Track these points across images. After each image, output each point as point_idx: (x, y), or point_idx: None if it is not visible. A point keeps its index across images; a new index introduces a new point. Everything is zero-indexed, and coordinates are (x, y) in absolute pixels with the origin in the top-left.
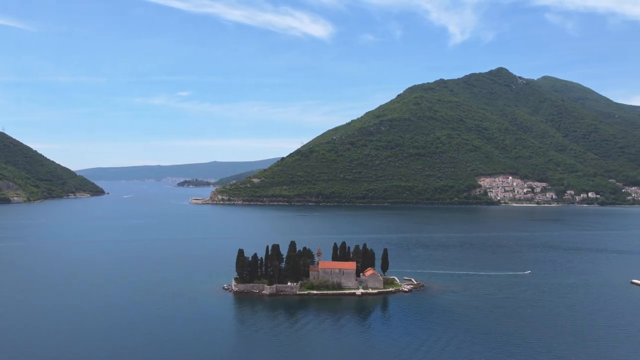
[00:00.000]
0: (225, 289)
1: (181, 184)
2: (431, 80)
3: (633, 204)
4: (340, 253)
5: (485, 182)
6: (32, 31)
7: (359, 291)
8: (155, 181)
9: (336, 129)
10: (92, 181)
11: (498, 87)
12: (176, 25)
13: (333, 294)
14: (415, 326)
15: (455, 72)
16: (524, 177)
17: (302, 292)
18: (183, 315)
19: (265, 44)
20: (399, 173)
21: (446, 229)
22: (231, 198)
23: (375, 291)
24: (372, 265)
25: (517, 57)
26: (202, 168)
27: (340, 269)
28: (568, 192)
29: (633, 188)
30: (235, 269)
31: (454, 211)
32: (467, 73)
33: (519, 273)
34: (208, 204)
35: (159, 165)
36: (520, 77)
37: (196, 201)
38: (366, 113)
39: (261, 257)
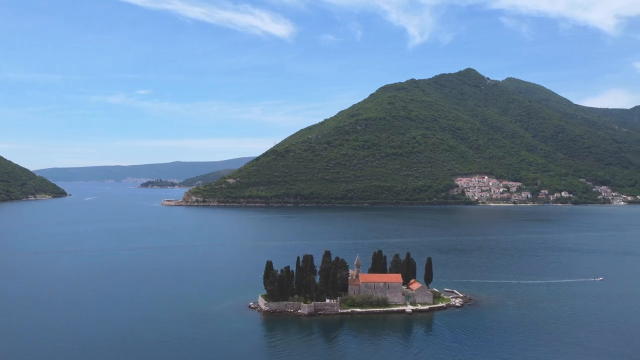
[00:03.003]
0: (252, 307)
1: (144, 185)
2: (398, 81)
3: (604, 202)
4: (377, 263)
5: (462, 181)
6: None
7: (409, 308)
8: (115, 182)
9: (310, 128)
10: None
11: (468, 87)
12: (133, 21)
13: (380, 312)
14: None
15: (418, 72)
16: (499, 177)
17: (345, 311)
18: (208, 342)
19: (226, 43)
20: (377, 173)
21: (449, 232)
22: (206, 199)
23: (426, 307)
24: (414, 277)
25: (476, 58)
26: (164, 168)
27: (385, 283)
28: (542, 191)
29: (602, 187)
30: (263, 284)
31: (437, 211)
32: (431, 74)
33: (589, 280)
34: (182, 205)
35: (118, 166)
36: (488, 78)
37: (169, 202)
38: (340, 112)
39: (292, 270)
